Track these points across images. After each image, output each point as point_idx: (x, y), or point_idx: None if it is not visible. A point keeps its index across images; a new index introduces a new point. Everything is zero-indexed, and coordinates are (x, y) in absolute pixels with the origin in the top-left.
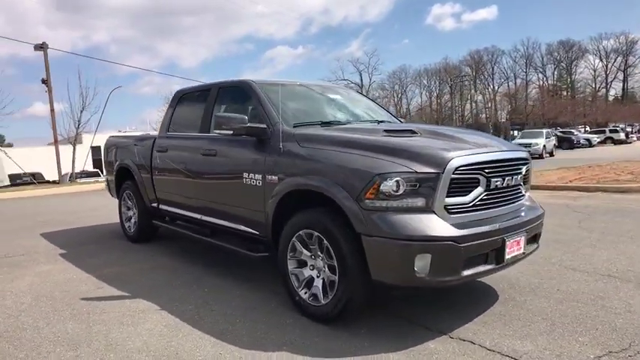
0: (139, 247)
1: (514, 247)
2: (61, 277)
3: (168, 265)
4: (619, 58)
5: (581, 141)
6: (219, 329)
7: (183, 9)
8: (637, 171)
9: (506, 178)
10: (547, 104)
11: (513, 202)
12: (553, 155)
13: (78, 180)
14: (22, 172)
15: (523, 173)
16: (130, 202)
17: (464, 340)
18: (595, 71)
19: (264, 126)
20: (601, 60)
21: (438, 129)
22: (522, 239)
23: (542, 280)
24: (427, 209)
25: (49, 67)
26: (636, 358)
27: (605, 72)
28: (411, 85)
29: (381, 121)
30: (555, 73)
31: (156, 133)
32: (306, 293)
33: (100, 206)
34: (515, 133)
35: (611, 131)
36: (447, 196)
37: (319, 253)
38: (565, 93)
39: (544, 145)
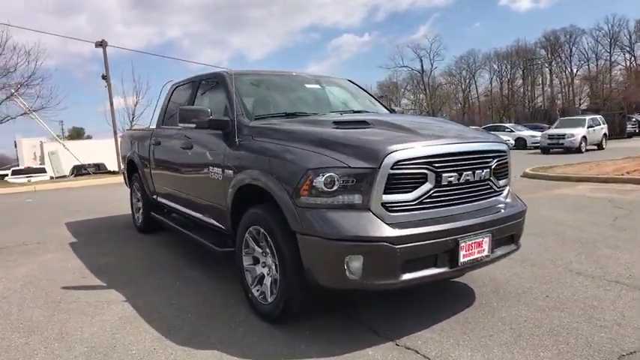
0: (143, 237)
1: (473, 249)
2: (57, 265)
3: (158, 256)
4: None
5: None
6: (167, 324)
7: (251, 2)
8: None
9: (466, 173)
10: (631, 86)
11: (479, 200)
12: (602, 148)
13: None
14: (86, 163)
15: (493, 167)
16: (138, 194)
17: (408, 349)
18: None
19: (226, 119)
20: None
21: (399, 120)
22: (486, 240)
23: (533, 285)
24: (363, 207)
25: (108, 64)
26: None
27: None
28: (481, 70)
29: (357, 111)
30: None
31: None
32: (258, 290)
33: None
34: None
35: None
36: (386, 193)
37: (267, 250)
38: None
39: (584, 137)
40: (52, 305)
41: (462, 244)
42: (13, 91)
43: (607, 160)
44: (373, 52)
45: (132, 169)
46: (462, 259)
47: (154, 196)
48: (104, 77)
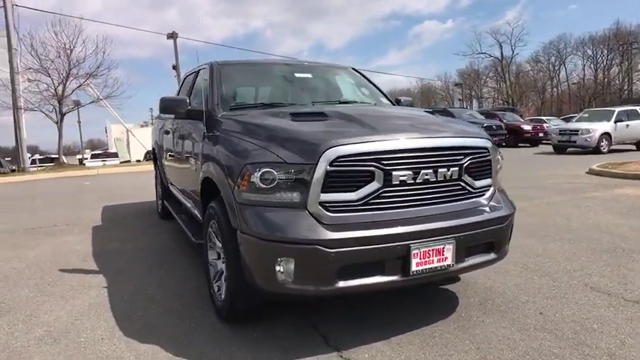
0: (162, 224)
1: (431, 257)
2: (67, 248)
3: (161, 244)
4: None
5: None
6: (126, 313)
7: None
8: None
9: (424, 172)
10: None
11: (447, 202)
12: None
13: None
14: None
15: (466, 166)
16: (157, 182)
17: None
18: None
19: (200, 109)
20: None
21: (359, 112)
22: (449, 248)
23: (532, 298)
24: (301, 206)
25: (178, 55)
26: None
27: None
28: (572, 56)
29: (345, 102)
30: None
31: None
32: (217, 286)
33: None
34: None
35: None
36: (326, 192)
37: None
38: None
39: (605, 133)
40: (40, 287)
41: (415, 251)
42: (83, 80)
43: None
44: (456, 39)
45: (155, 158)
46: (414, 268)
47: (168, 184)
48: (174, 67)
